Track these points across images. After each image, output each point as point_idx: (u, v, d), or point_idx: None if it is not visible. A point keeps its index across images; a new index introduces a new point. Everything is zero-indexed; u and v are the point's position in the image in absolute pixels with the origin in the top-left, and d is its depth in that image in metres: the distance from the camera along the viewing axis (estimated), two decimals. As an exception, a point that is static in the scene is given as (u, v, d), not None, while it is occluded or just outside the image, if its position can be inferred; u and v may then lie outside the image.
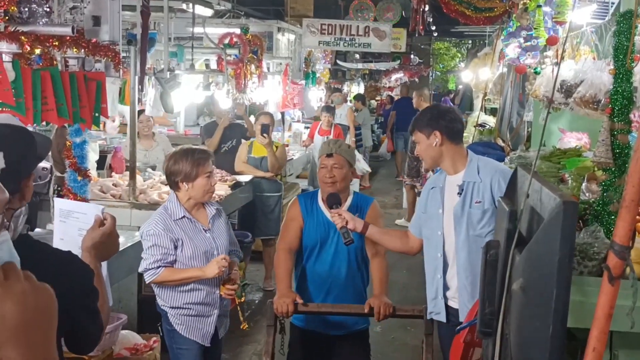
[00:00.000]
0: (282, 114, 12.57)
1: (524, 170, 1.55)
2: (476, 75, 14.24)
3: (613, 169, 3.79)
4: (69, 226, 2.64)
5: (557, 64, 5.22)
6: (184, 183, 4.10)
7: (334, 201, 4.06)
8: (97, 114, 4.62)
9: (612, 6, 4.74)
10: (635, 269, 3.51)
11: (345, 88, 21.15)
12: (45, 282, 1.41)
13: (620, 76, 3.73)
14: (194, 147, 4.38)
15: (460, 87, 26.40)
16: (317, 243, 4.23)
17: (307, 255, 4.29)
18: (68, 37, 4.20)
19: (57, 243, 2.57)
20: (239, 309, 4.62)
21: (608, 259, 1.15)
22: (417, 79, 27.90)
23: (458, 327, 3.37)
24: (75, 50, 4.28)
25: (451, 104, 26.14)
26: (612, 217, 3.81)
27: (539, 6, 4.80)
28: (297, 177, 11.45)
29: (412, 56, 27.31)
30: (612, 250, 1.13)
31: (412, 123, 4.02)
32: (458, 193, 3.81)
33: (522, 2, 5.60)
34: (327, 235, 4.21)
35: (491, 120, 11.64)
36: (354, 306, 4.15)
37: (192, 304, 4.12)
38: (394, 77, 27.51)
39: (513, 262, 1.44)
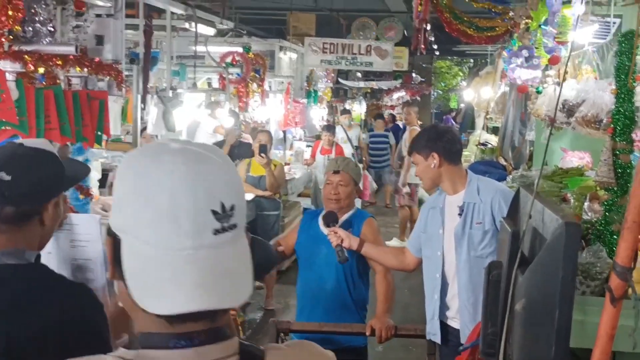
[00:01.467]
0: (284, 132, 12.58)
1: (526, 190, 1.55)
2: (478, 94, 14.27)
3: (615, 188, 3.79)
4: (58, 238, 2.47)
5: (560, 83, 5.23)
6: None
7: (330, 219, 4.06)
8: (99, 133, 4.63)
9: (613, 26, 4.75)
10: (638, 289, 3.50)
11: (347, 106, 21.15)
12: (51, 314, 1.40)
13: (622, 96, 3.73)
14: None
15: (462, 105, 26.43)
16: (308, 255, 4.28)
17: (302, 266, 4.38)
18: (71, 56, 4.22)
19: (44, 256, 2.49)
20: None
21: (610, 280, 1.15)
22: (418, 98, 27.97)
23: (460, 348, 3.35)
24: (78, 69, 4.29)
25: (453, 122, 26.19)
26: (615, 236, 3.80)
27: (541, 26, 4.82)
28: (299, 195, 11.43)
29: (413, 75, 27.37)
30: (614, 272, 1.12)
31: (410, 144, 4.03)
32: (459, 214, 3.81)
33: (524, 21, 5.62)
34: (317, 248, 4.21)
35: (493, 139, 11.65)
36: (355, 326, 4.14)
37: None
38: (395, 95, 27.56)
39: (516, 282, 1.44)
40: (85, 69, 4.43)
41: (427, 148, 3.86)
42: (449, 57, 33.93)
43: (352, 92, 22.87)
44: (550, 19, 4.09)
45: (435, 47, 18.65)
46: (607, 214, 3.82)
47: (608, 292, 1.16)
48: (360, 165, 13.09)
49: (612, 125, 3.75)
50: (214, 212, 1.14)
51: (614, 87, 3.80)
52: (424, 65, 30.23)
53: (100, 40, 4.85)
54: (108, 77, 4.72)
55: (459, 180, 3.88)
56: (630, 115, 3.73)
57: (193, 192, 1.13)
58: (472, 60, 31.45)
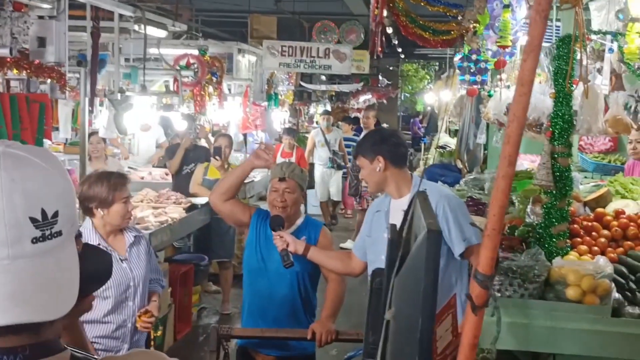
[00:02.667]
0: (245, 135, 12.50)
1: (417, 196, 1.53)
2: (439, 97, 14.36)
3: (554, 191, 3.80)
4: None
5: (507, 87, 5.26)
6: (99, 209, 3.86)
7: (277, 223, 4.03)
8: (39, 137, 4.55)
9: (557, 30, 4.78)
10: (575, 292, 3.51)
11: (312, 109, 21.13)
12: None
13: (560, 100, 3.76)
14: (111, 171, 4.24)
15: (429, 108, 26.57)
16: (259, 263, 4.20)
17: (251, 274, 4.27)
18: (8, 59, 4.14)
19: None
20: (152, 344, 4.47)
21: (471, 288, 1.14)
22: (385, 101, 28.04)
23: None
24: (15, 71, 4.22)
25: (419, 125, 26.33)
26: (554, 239, 3.83)
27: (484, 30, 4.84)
28: (260, 199, 11.36)
29: (380, 78, 27.43)
30: (475, 280, 1.11)
31: (355, 148, 4.01)
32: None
33: (472, 25, 5.65)
34: (270, 254, 4.16)
35: (452, 142, 11.72)
36: (297, 331, 4.11)
37: (98, 337, 3.88)
38: (362, 98, 27.62)
39: (393, 290, 1.42)
40: (25, 72, 4.36)
41: (372, 152, 3.84)
42: (415, 61, 34.11)
43: (317, 95, 22.88)
44: (491, 23, 4.10)
45: (400, 50, 18.68)
46: (546, 217, 3.84)
47: (469, 300, 1.14)
48: (341, 172, 12.95)
49: (550, 129, 3.77)
50: (33, 220, 1.08)
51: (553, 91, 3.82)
52: (390, 68, 30.33)
53: (42, 42, 4.76)
54: (50, 80, 4.65)
55: (404, 184, 3.86)
56: (569, 119, 3.75)
57: (8, 198, 1.06)
58: (437, 64, 31.62)
